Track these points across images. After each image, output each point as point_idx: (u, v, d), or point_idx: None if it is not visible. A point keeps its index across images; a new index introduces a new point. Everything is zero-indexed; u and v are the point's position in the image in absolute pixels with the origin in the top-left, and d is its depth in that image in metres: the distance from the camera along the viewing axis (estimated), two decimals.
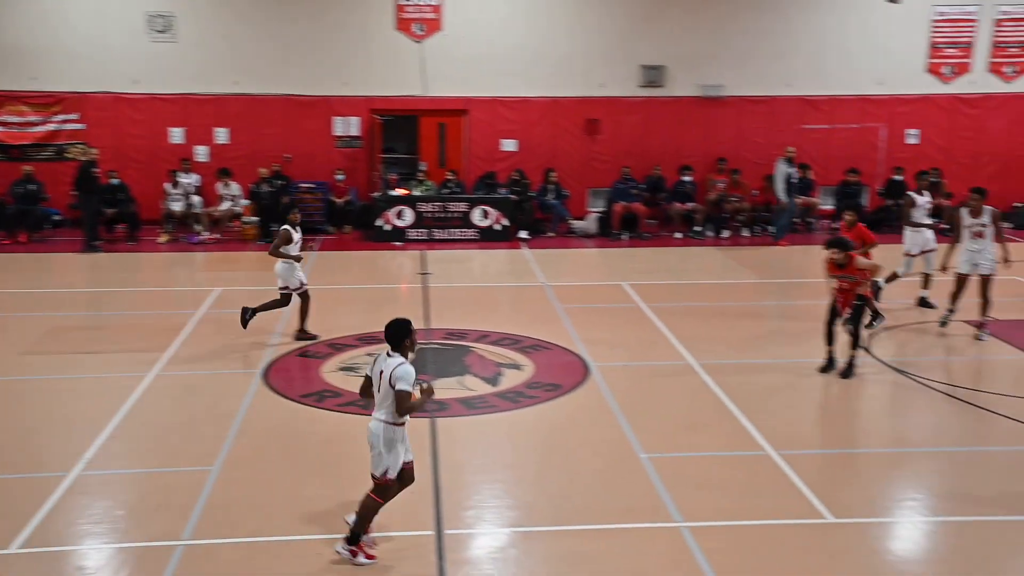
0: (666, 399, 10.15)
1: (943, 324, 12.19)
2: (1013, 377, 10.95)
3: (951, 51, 19.48)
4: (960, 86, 19.60)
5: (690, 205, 18.92)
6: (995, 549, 7.05)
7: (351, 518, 6.84)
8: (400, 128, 20.11)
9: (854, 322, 10.44)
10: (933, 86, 19.59)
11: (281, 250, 11.59)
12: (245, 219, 18.34)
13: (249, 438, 8.95)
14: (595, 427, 9.40)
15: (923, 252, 13.37)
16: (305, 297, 11.90)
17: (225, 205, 18.63)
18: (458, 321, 12.86)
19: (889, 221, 18.84)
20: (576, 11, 19.35)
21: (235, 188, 18.66)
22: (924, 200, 13.70)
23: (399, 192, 18.74)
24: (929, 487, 8.13)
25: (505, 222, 18.52)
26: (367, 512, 6.73)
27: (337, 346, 11.65)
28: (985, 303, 11.90)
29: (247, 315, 11.69)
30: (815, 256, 17.15)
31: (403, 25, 19.18)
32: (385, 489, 6.74)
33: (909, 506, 7.76)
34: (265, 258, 12.39)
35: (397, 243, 18.30)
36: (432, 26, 19.18)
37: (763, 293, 14.85)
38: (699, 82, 19.40)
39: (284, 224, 11.78)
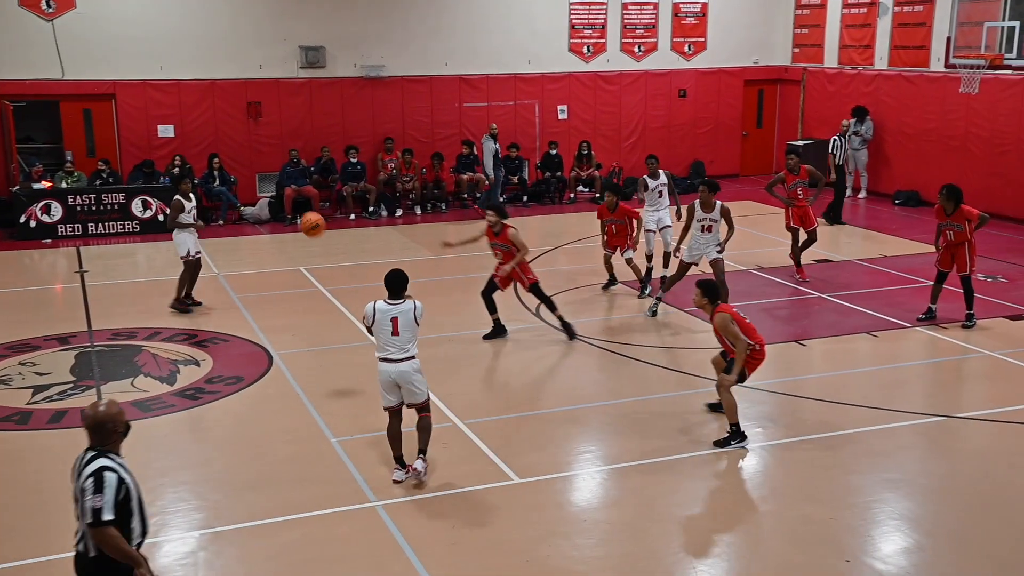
0: (353, 381, 10.18)
1: (654, 313, 12.19)
2: (670, 331, 12.13)
3: (588, 32, 21.04)
4: (599, 64, 21.23)
5: (362, 185, 19.00)
6: (663, 487, 7.83)
7: (420, 465, 7.72)
8: (39, 115, 18.34)
9: (536, 291, 11.21)
10: (576, 65, 21.06)
11: (177, 220, 12.23)
12: None
13: None
14: (283, 416, 9.25)
15: (661, 229, 13.29)
16: (195, 266, 12.48)
17: None
18: (126, 320, 12.07)
19: (549, 194, 20.12)
20: None
21: None
22: (656, 183, 13.32)
23: (43, 185, 17.13)
24: (601, 439, 8.85)
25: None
26: (429, 427, 7.78)
27: None
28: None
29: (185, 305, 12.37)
30: (473, 231, 17.96)
31: (28, 1, 17.46)
32: (428, 406, 7.84)
33: (585, 458, 8.39)
34: None
35: (46, 240, 16.75)
36: (63, 3, 17.62)
37: (442, 269, 15.28)
38: (360, 62, 19.47)
39: (176, 194, 12.51)
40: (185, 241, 12.34)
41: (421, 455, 7.79)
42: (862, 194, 19.94)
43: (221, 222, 18.30)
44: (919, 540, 6.94)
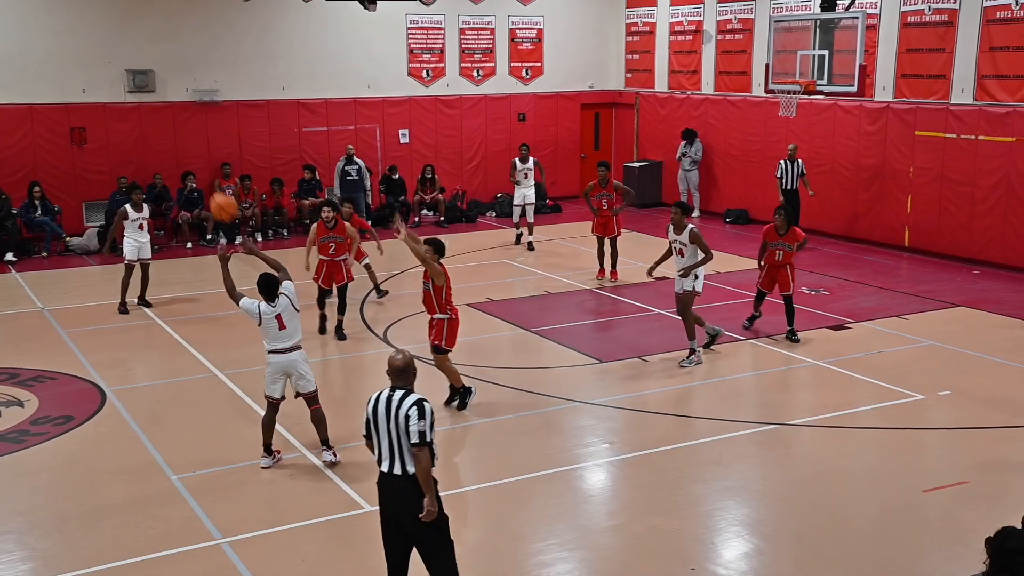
0: (193, 414, 9.81)
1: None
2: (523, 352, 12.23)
3: (427, 56, 21.15)
4: (439, 88, 21.36)
5: (198, 213, 18.37)
6: (513, 506, 7.86)
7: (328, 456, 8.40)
8: None
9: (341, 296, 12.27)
10: (416, 89, 21.12)
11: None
12: None
13: None
14: (118, 455, 8.80)
15: None
16: (144, 269, 13.57)
17: None
18: None
19: (392, 218, 20.00)
20: (48, 12, 17.70)
21: None
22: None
23: None
24: (449, 462, 8.82)
25: None
26: (322, 419, 8.49)
27: None
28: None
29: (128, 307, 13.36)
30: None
31: None
32: (317, 398, 8.51)
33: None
34: None
35: None
36: None
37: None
38: (192, 86, 18.87)
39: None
40: (125, 246, 13.44)
41: (324, 446, 8.51)
42: (695, 213, 20.78)
43: (45, 254, 17.31)
44: (758, 544, 7.25)
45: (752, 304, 12.36)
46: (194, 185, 18.39)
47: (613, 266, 15.10)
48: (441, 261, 9.52)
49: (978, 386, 10.32)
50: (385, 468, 5.74)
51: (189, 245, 18.10)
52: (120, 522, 7.53)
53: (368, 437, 5.84)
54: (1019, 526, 5.12)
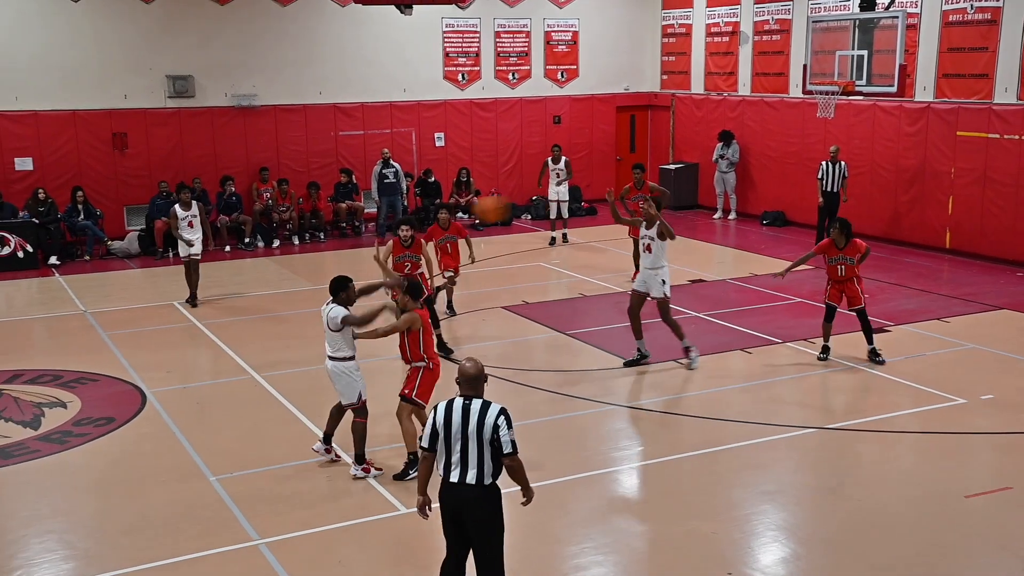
0: (231, 416, 9.91)
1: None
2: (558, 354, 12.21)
3: (462, 60, 21.21)
4: (474, 92, 21.41)
5: (236, 216, 18.56)
6: (553, 510, 7.86)
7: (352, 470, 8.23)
8: None
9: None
10: (451, 92, 21.17)
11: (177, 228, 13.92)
12: None
13: None
14: (158, 456, 8.91)
15: None
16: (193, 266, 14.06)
17: None
18: None
19: (428, 221, 20.09)
20: (91, 19, 17.99)
21: None
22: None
23: None
24: None
25: (29, 248, 16.75)
26: (361, 433, 8.23)
27: None
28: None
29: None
30: (363, 258, 17.80)
31: None
32: (364, 410, 8.30)
33: None
34: None
35: None
36: None
37: (321, 299, 15.00)
38: (230, 91, 19.08)
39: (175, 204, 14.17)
40: (179, 245, 14.02)
41: (355, 461, 8.31)
42: (732, 215, 20.65)
43: (87, 257, 17.58)
44: (795, 549, 7.17)
45: (823, 332, 11.25)
46: (232, 189, 18.58)
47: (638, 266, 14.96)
48: (416, 306, 8.32)
49: (1021, 390, 10.14)
50: (455, 478, 5.72)
51: (227, 248, 18.29)
52: (159, 522, 7.62)
53: (430, 448, 5.79)
54: None
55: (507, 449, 5.69)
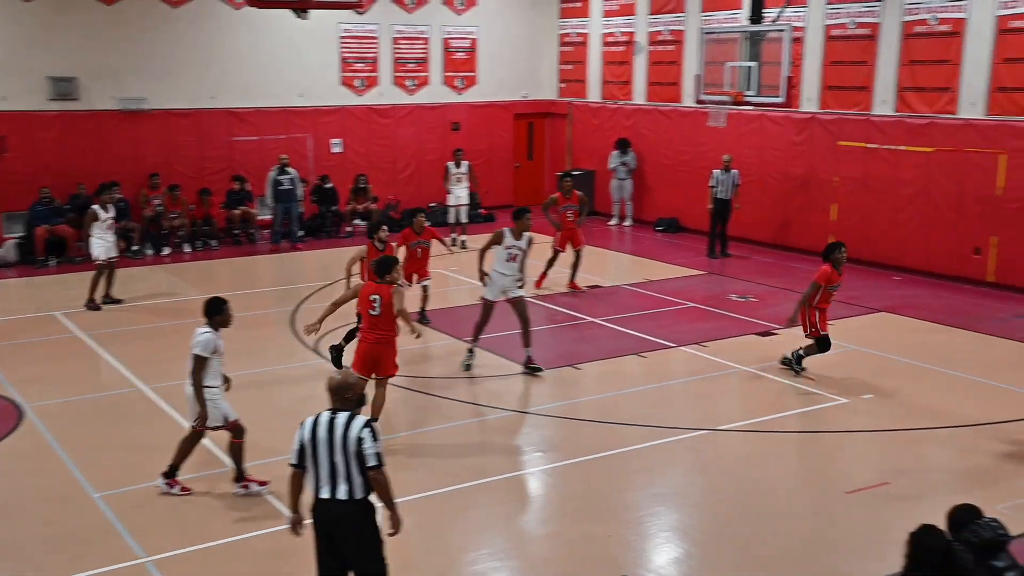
0: (117, 430, 9.58)
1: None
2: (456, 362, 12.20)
3: (360, 65, 21.03)
4: (372, 98, 21.24)
5: (124, 223, 17.96)
6: (446, 517, 7.83)
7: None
8: None
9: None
10: (349, 98, 20.96)
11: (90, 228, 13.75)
12: None
13: None
14: (37, 475, 8.54)
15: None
16: (111, 268, 13.98)
17: None
18: None
19: (325, 228, 19.85)
20: None
21: None
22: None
23: None
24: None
25: None
26: (238, 453, 8.00)
27: None
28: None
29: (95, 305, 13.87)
30: (248, 268, 17.46)
31: None
32: (239, 429, 8.00)
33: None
34: None
35: None
36: None
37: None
38: (118, 95, 18.48)
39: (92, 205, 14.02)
40: (94, 246, 13.83)
41: (235, 479, 8.07)
42: (628, 221, 20.99)
43: None
44: (688, 549, 7.32)
45: (807, 349, 10.93)
46: (119, 196, 17.95)
47: (573, 277, 15.08)
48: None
49: (899, 389, 10.58)
50: (326, 494, 5.60)
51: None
52: (40, 543, 7.31)
53: (299, 465, 5.69)
54: (940, 525, 5.27)
55: (371, 462, 5.54)
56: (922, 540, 4.94)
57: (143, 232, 18.15)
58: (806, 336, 10.89)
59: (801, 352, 10.96)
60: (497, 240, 11.11)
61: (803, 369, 10.97)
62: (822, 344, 10.84)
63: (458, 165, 18.54)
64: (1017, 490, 8.16)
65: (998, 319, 12.78)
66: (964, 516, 5.33)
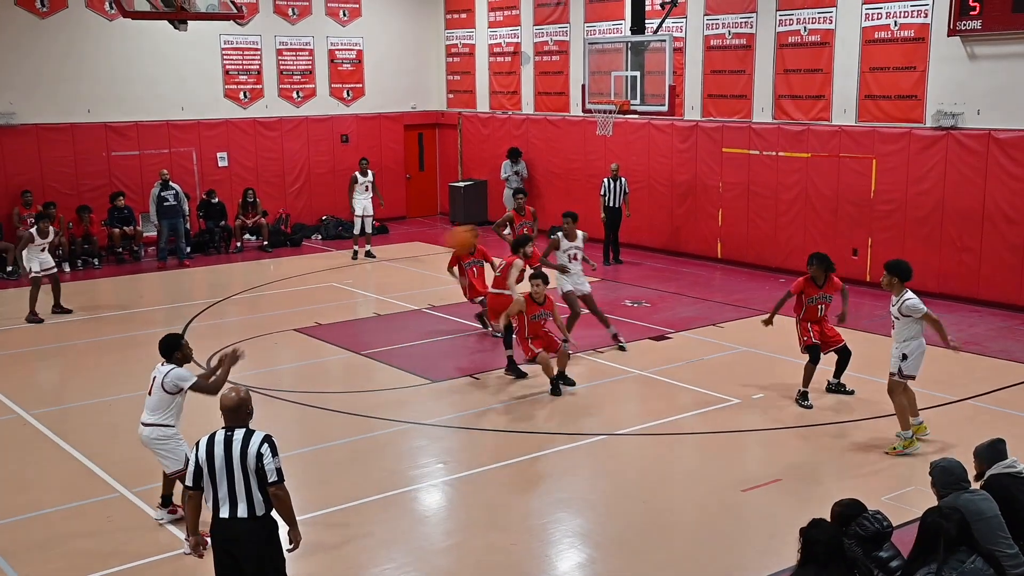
0: None
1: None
2: (343, 373, 12.06)
3: (244, 77, 20.61)
4: (257, 110, 20.84)
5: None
6: (350, 531, 7.73)
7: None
8: None
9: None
10: (233, 111, 20.52)
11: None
12: None
13: None
14: None
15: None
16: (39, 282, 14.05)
17: None
18: None
19: (214, 244, 19.35)
20: None
21: None
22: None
23: None
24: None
25: None
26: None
27: None
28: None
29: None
30: (133, 286, 16.90)
31: None
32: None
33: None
34: None
35: None
36: None
37: (97, 329, 14.11)
38: None
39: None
40: (31, 260, 14.05)
41: (160, 504, 7.82)
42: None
43: None
44: (591, 553, 7.41)
45: (805, 370, 10.36)
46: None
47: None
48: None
49: (787, 388, 10.94)
50: (226, 513, 5.50)
51: None
52: None
53: (194, 486, 5.56)
54: (827, 518, 5.48)
55: (272, 478, 5.49)
56: (812, 534, 5.13)
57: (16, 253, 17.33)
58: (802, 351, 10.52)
59: (802, 390, 10.41)
60: (555, 246, 12.32)
61: (808, 404, 10.29)
62: (811, 352, 10.35)
63: (364, 174, 18.61)
64: (898, 482, 8.54)
65: (876, 317, 13.36)
66: (849, 511, 5.57)
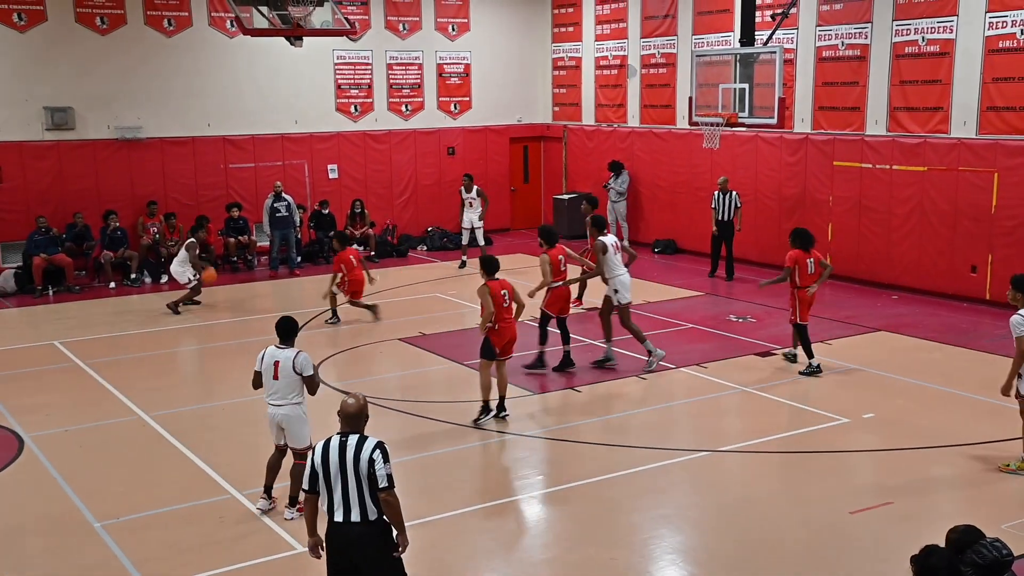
0: (117, 459, 9.55)
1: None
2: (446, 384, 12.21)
3: (354, 91, 21.14)
4: (367, 123, 21.34)
5: (122, 252, 17.98)
6: (449, 542, 7.82)
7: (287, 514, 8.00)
8: None
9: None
10: (344, 124, 21.06)
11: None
12: None
13: None
14: (37, 504, 8.51)
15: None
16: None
17: None
18: None
19: (323, 253, 19.85)
20: None
21: None
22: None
23: None
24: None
25: None
26: (299, 475, 7.30)
27: None
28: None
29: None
30: (249, 293, 17.48)
31: None
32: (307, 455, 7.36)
33: None
34: None
35: None
36: None
37: (210, 335, 14.66)
38: (114, 124, 18.55)
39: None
40: (185, 272, 15.50)
41: (288, 504, 8.04)
42: (624, 243, 21.02)
43: None
44: (692, 571, 7.30)
45: (800, 340, 11.97)
46: (117, 224, 18.02)
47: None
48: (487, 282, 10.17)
49: (899, 408, 10.59)
50: (340, 517, 5.63)
51: (112, 285, 17.70)
52: (41, 573, 7.26)
53: (311, 489, 5.72)
54: (941, 544, 5.26)
55: (382, 484, 5.58)
56: (927, 561, 4.93)
57: (141, 260, 18.15)
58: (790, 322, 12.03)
59: (794, 351, 12.07)
60: (603, 250, 12.05)
61: (815, 368, 11.72)
62: (799, 330, 11.81)
63: (468, 190, 19.04)
64: (1019, 509, 8.15)
65: (996, 337, 12.80)
66: (966, 537, 5.32)
